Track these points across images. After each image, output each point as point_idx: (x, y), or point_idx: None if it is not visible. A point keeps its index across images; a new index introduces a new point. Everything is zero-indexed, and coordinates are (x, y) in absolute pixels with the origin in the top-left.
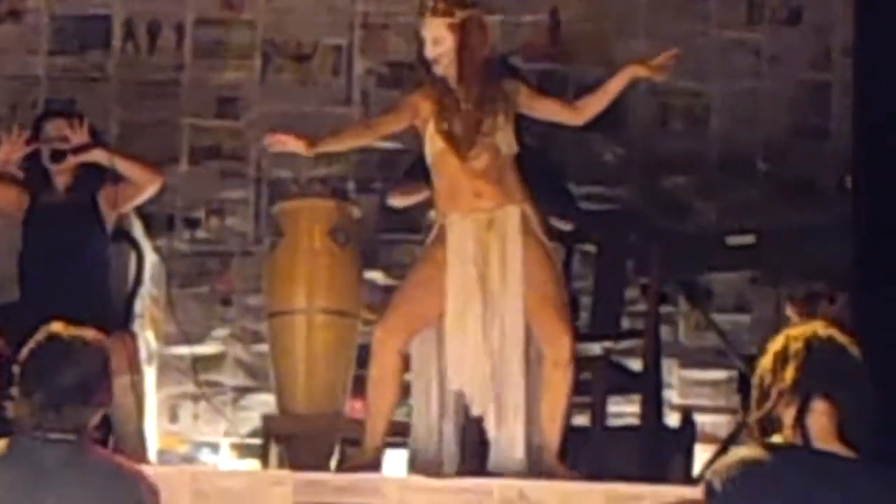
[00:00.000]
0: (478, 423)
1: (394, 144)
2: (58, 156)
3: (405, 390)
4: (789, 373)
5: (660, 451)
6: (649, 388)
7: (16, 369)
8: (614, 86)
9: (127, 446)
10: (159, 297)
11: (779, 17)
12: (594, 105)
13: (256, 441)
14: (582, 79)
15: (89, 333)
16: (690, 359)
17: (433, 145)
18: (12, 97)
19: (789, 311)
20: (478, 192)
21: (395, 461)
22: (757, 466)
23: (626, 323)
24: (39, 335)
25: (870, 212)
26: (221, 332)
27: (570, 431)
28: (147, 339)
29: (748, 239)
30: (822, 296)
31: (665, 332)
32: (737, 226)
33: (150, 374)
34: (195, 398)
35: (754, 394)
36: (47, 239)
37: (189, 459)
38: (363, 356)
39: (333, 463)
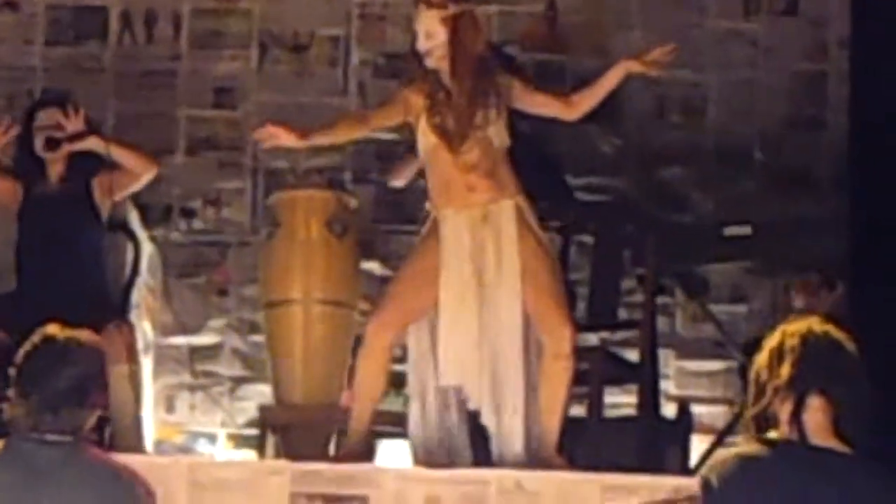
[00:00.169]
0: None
1: (390, 135)
2: (52, 144)
3: (399, 382)
4: (785, 369)
5: (656, 442)
6: (646, 378)
7: (12, 371)
8: (608, 81)
9: (124, 437)
10: (156, 287)
11: (775, 8)
12: (588, 100)
13: (253, 431)
14: (579, 69)
15: (85, 335)
16: (687, 349)
17: (426, 140)
18: (8, 88)
19: (795, 299)
20: (471, 187)
21: (392, 452)
22: (753, 462)
23: (622, 314)
24: (35, 337)
25: (865, 202)
26: (218, 322)
27: (566, 422)
28: (144, 329)
29: (745, 230)
30: (821, 283)
31: (662, 322)
32: (733, 217)
33: (146, 364)
34: (192, 388)
35: (750, 390)
36: (42, 230)
37: (186, 450)
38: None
39: (331, 453)
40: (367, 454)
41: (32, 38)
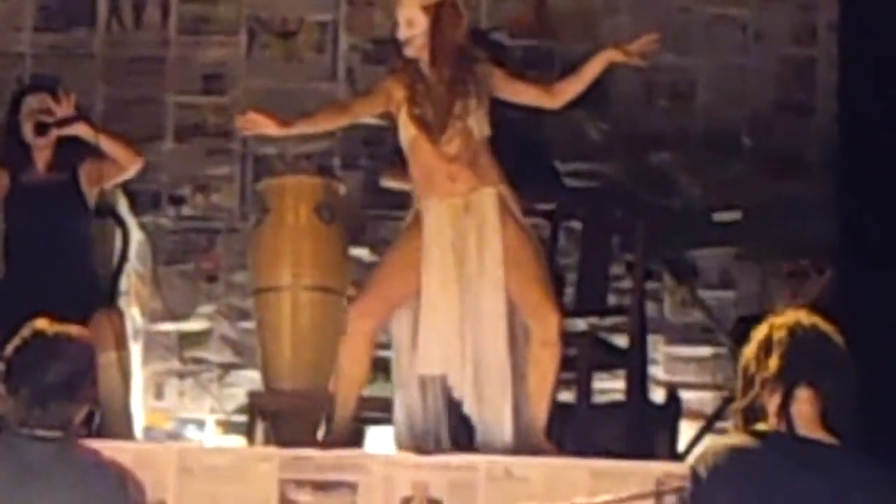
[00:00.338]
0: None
1: (379, 121)
2: (41, 128)
3: (387, 368)
4: (773, 361)
5: (645, 428)
6: (635, 364)
7: (1, 366)
8: (591, 70)
9: (113, 423)
10: (145, 274)
11: None
12: (570, 89)
13: (242, 418)
14: (567, 55)
15: (75, 329)
16: (676, 335)
17: (406, 132)
18: None
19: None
20: (452, 176)
21: (381, 438)
22: (742, 453)
23: (611, 299)
24: (25, 331)
25: (854, 187)
26: (207, 308)
27: (555, 408)
28: (133, 316)
29: (734, 215)
30: (810, 267)
31: (650, 308)
32: (722, 202)
33: (135, 351)
34: (181, 375)
35: (738, 382)
36: (30, 218)
37: (175, 436)
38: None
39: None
40: (354, 440)
41: (21, 24)
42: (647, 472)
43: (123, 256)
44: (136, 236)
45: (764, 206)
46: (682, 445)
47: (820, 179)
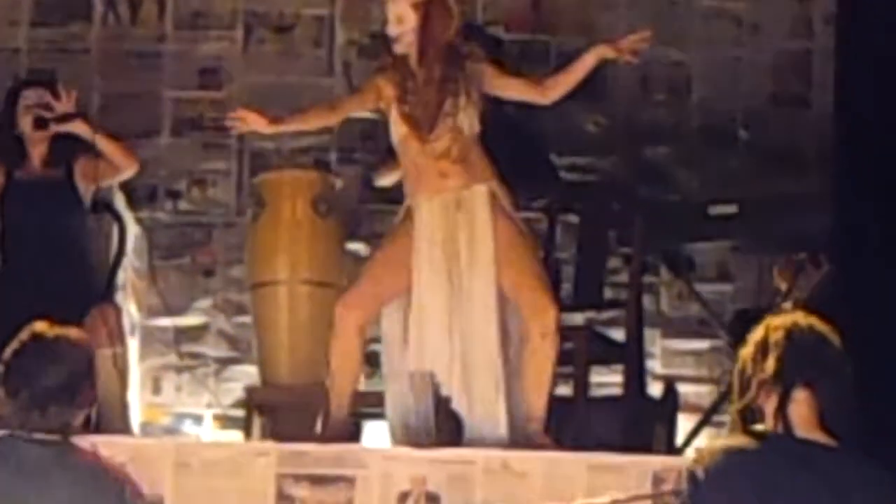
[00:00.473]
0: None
1: (376, 116)
2: (41, 123)
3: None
4: (770, 363)
5: (643, 422)
6: (632, 358)
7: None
8: (581, 66)
9: (110, 419)
10: (142, 268)
11: None
12: (561, 85)
13: (239, 412)
14: (564, 50)
15: (73, 332)
16: (673, 329)
17: (397, 130)
18: None
19: (777, 279)
20: (443, 173)
21: (378, 432)
22: (740, 455)
23: (608, 293)
24: (23, 334)
25: (850, 180)
26: (204, 303)
27: (553, 402)
28: (130, 310)
29: (730, 209)
30: (806, 261)
31: (647, 302)
32: (719, 195)
33: (132, 345)
34: (178, 370)
35: (736, 384)
36: (25, 214)
37: (172, 431)
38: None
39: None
40: (351, 435)
41: (17, 18)
42: (644, 465)
43: (120, 251)
44: (133, 231)
45: (760, 199)
46: (679, 439)
47: (816, 173)
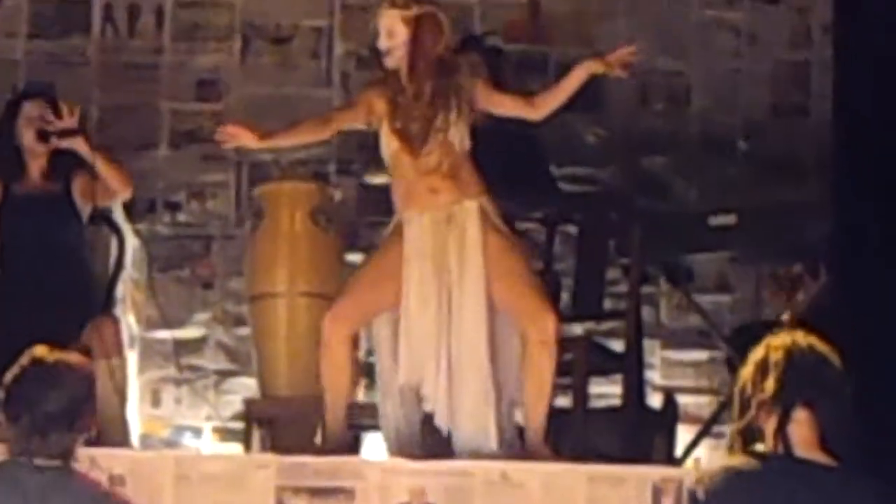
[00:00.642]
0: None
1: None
2: (43, 136)
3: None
4: (770, 383)
5: (642, 432)
6: (631, 368)
7: (0, 394)
8: (572, 81)
9: (109, 431)
10: (140, 280)
11: None
12: (551, 101)
13: (239, 425)
14: (562, 60)
15: (74, 357)
16: (672, 339)
17: (388, 145)
18: None
19: (771, 299)
20: (433, 189)
21: (378, 445)
22: (740, 475)
23: (607, 304)
24: (24, 359)
25: (849, 190)
26: (203, 315)
27: (552, 413)
28: (129, 323)
29: (729, 219)
30: (804, 272)
31: (647, 312)
32: (718, 206)
33: (131, 358)
34: (177, 382)
35: (735, 404)
36: (24, 228)
37: (171, 444)
38: None
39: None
40: (350, 447)
41: (16, 30)
42: (644, 476)
43: (119, 264)
44: (132, 243)
45: (759, 209)
46: (679, 450)
47: (815, 183)
